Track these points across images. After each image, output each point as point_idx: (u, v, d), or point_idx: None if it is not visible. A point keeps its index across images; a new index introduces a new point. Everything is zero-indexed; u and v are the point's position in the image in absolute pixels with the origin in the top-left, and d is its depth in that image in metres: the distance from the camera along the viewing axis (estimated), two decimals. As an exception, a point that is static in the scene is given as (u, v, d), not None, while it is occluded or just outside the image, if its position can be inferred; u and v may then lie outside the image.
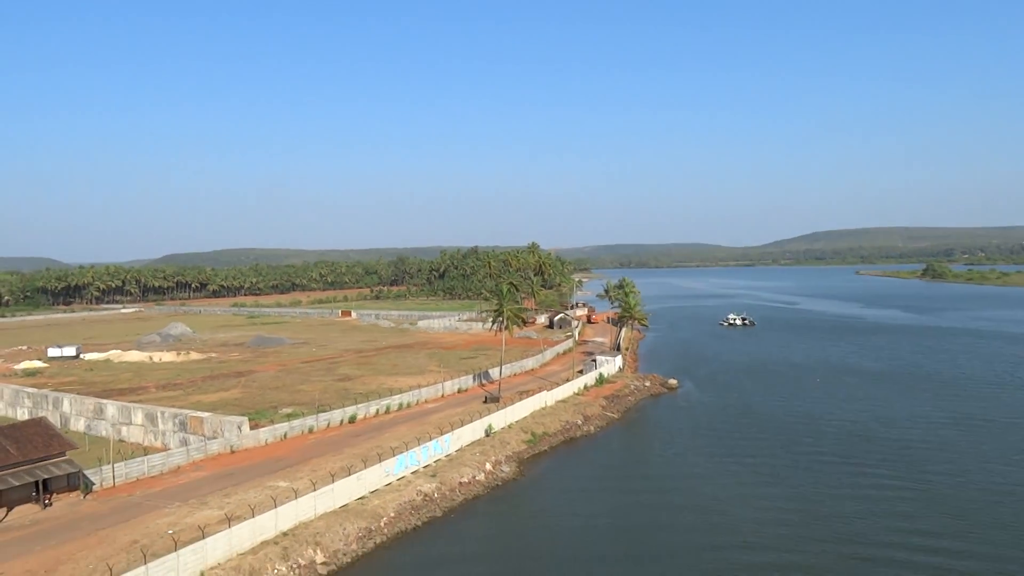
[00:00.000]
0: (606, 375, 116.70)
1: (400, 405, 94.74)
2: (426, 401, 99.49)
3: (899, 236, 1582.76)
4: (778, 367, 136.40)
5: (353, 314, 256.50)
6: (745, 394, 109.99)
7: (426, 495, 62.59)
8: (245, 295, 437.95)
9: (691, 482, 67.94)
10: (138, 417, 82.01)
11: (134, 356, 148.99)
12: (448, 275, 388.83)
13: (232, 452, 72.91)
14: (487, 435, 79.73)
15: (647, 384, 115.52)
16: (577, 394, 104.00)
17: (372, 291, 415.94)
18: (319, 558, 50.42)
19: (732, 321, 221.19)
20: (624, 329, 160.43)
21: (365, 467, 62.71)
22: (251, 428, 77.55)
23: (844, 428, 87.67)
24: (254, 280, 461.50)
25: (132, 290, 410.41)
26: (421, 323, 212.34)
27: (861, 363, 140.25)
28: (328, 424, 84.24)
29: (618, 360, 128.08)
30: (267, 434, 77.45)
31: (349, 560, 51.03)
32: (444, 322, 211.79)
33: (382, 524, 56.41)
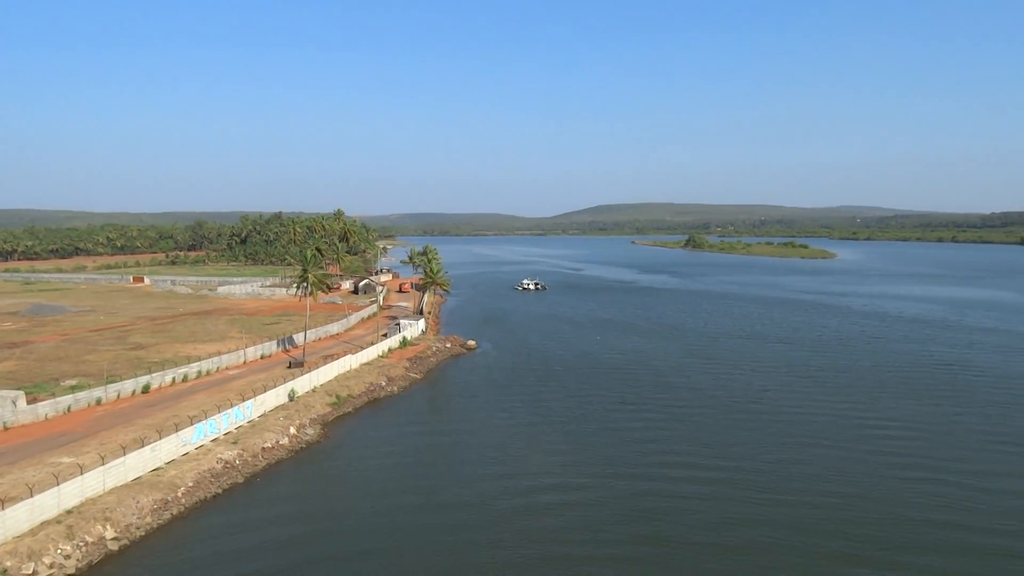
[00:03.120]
0: (409, 338, 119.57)
1: (199, 373, 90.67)
2: (227, 368, 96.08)
3: (668, 211, 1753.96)
4: (566, 326, 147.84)
5: (146, 280, 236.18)
6: (537, 351, 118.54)
7: (227, 462, 61.48)
8: (19, 260, 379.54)
9: (487, 432, 73.28)
10: None
11: None
12: (250, 240, 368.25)
13: (5, 429, 66.10)
14: (291, 400, 79.22)
15: (448, 345, 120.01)
16: (381, 357, 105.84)
17: (168, 256, 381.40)
18: (109, 534, 48.17)
19: (526, 286, 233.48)
20: (427, 294, 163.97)
21: (160, 438, 60.29)
22: (28, 403, 70.95)
23: (619, 376, 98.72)
24: (29, 243, 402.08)
25: None
26: (221, 289, 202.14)
27: (635, 321, 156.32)
28: (119, 395, 78.82)
29: (421, 323, 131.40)
30: (48, 408, 70.93)
31: (143, 533, 49.25)
32: (246, 288, 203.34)
33: (179, 494, 54.81)
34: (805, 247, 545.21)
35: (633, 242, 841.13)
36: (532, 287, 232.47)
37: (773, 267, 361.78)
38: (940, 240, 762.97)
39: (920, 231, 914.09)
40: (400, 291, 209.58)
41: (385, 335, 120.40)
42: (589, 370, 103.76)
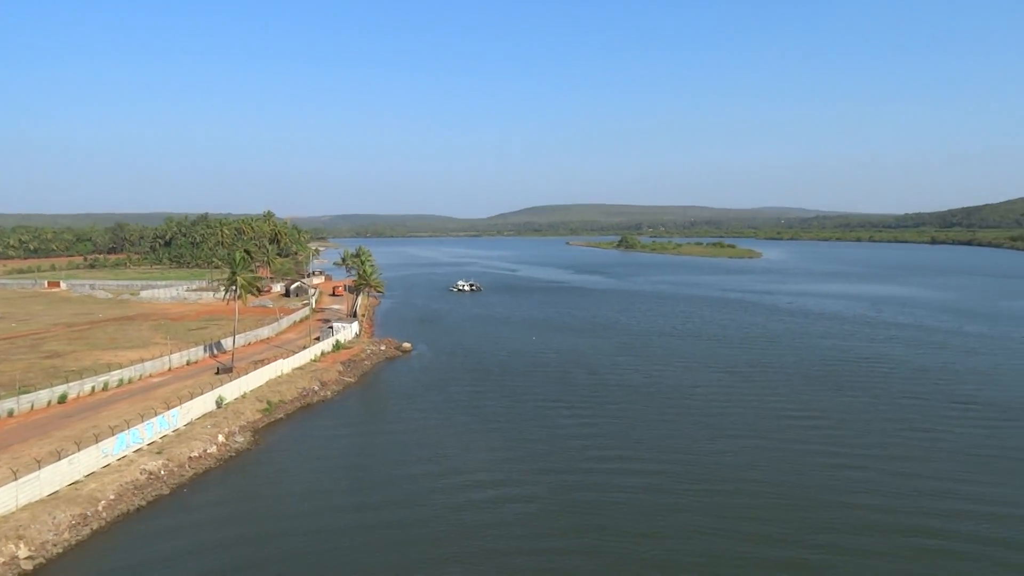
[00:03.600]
0: (343, 341, 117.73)
1: (121, 381, 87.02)
2: (151, 375, 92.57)
3: (601, 212, 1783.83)
4: (501, 327, 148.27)
5: (63, 284, 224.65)
6: (472, 353, 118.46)
7: (151, 473, 59.20)
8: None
9: (423, 434, 72.84)
10: None
11: None
12: (175, 243, 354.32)
13: (-100, 446, 61.48)
14: (219, 407, 76.87)
15: (383, 348, 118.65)
16: (314, 361, 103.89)
17: (86, 260, 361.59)
18: (22, 552, 45.76)
19: (461, 287, 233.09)
20: (361, 296, 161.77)
21: (79, 449, 57.51)
22: (-71, 416, 66.07)
23: (554, 375, 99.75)
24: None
25: None
26: (144, 293, 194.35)
27: (569, 321, 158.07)
28: (32, 406, 74.81)
29: (354, 326, 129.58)
30: (-50, 422, 66.53)
31: (60, 551, 46.92)
32: (171, 292, 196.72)
33: (100, 508, 52.47)
34: (733, 247, 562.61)
35: (567, 243, 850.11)
36: (467, 288, 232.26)
37: (703, 266, 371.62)
38: (858, 240, 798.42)
39: (840, 231, 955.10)
40: (333, 294, 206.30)
41: (318, 338, 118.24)
42: (524, 370, 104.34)
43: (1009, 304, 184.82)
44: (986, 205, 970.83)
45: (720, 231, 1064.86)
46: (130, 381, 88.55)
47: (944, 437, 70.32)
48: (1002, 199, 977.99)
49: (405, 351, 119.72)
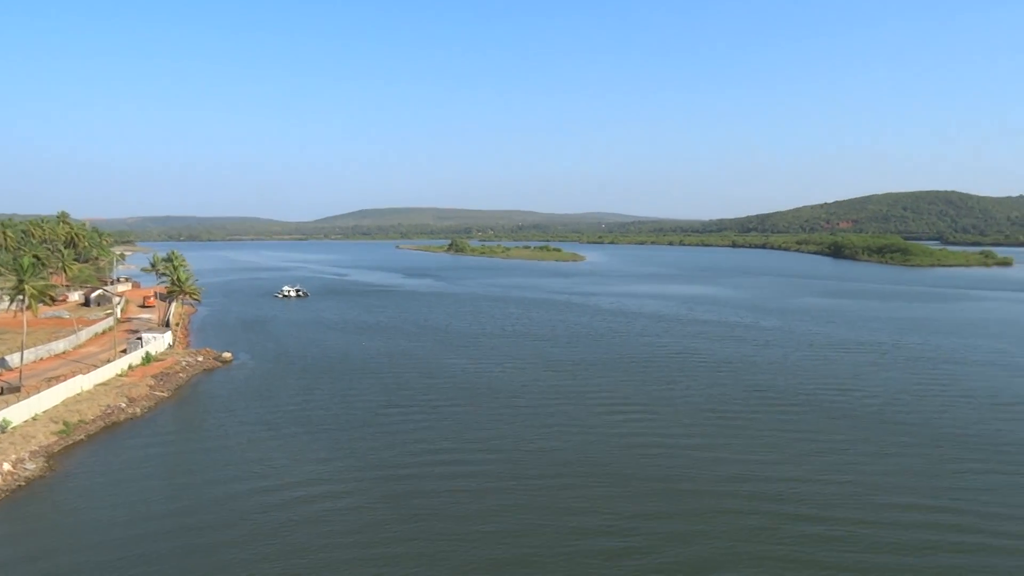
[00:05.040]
0: (154, 353, 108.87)
1: None
2: (-90, 400, 79.53)
3: (431, 215, 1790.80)
4: (329, 333, 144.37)
5: None
6: (299, 360, 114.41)
7: (-83, 513, 51.35)
8: None
9: (247, 448, 69.34)
10: None
11: None
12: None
13: None
14: (3, 431, 68.18)
15: (200, 359, 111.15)
16: (120, 375, 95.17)
17: None
18: None
19: (287, 293, 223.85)
20: (174, 304, 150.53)
21: None
22: None
23: (385, 379, 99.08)
24: None
25: None
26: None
27: (400, 324, 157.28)
28: None
29: (167, 336, 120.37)
30: None
31: None
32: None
33: None
34: (559, 251, 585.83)
35: (398, 246, 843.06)
36: (293, 294, 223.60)
37: (531, 270, 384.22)
38: (671, 243, 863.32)
39: (654, 235, 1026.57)
40: (144, 305, 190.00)
41: (124, 351, 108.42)
42: (354, 375, 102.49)
43: (795, 301, 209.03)
44: (776, 212, 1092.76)
45: (546, 235, 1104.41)
46: None
47: (743, 420, 78.51)
48: (790, 207, 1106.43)
49: (225, 361, 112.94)
